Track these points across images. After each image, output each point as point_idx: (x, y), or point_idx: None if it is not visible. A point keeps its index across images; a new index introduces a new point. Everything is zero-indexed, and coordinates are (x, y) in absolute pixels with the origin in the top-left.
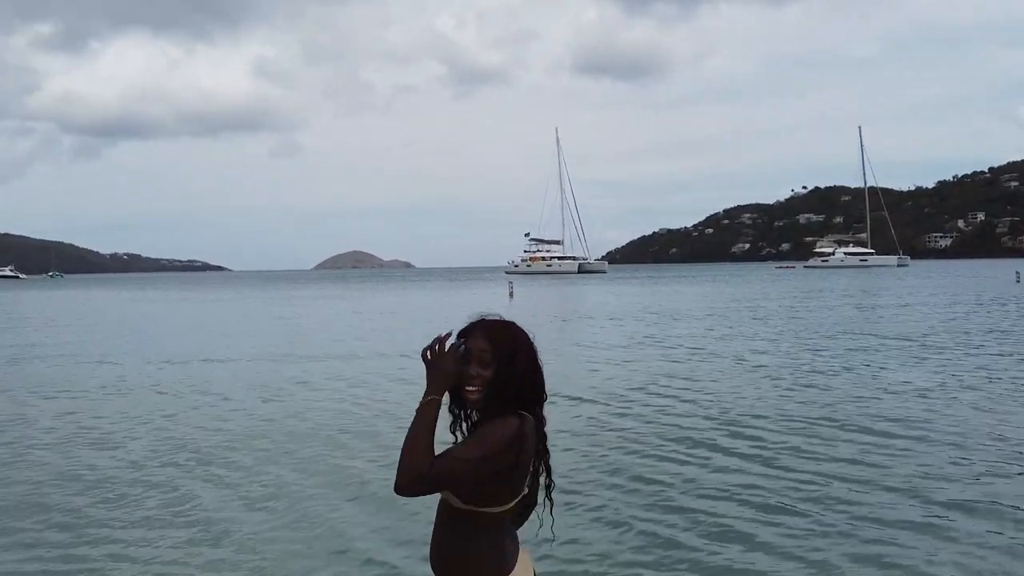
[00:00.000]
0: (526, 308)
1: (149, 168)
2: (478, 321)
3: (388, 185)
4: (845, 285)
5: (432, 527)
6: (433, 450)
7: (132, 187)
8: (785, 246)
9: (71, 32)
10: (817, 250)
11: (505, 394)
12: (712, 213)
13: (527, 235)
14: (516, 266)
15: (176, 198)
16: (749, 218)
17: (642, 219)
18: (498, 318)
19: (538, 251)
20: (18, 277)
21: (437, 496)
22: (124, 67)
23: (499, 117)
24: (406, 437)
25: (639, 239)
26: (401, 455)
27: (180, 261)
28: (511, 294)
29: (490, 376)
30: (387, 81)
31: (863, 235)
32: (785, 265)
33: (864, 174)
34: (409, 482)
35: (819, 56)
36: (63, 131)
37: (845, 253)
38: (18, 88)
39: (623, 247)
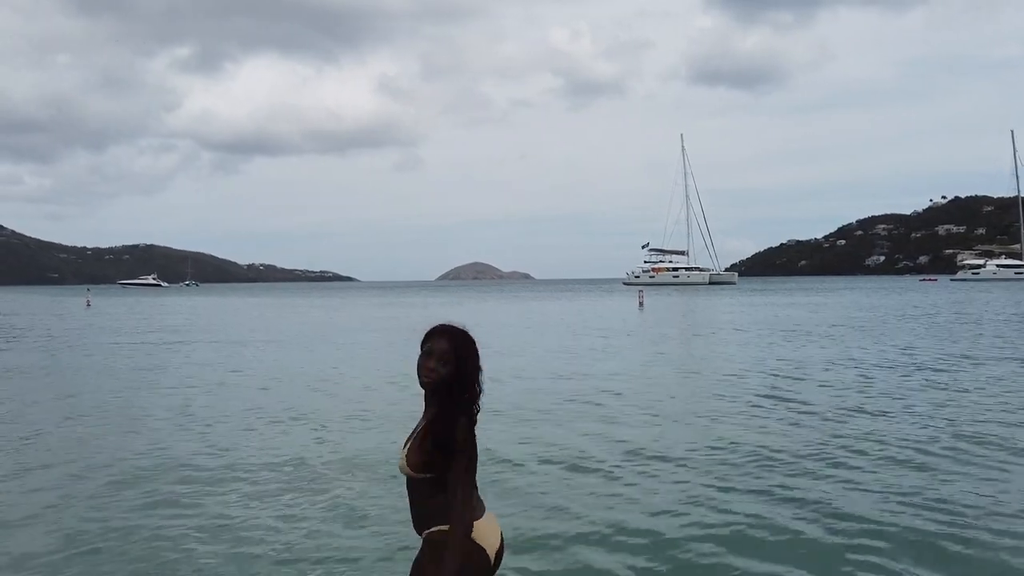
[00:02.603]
0: (664, 316)
1: (282, 183)
2: (441, 325)
3: (505, 197)
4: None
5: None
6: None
7: (266, 201)
8: (923, 258)
9: (206, 54)
10: (966, 262)
11: (455, 389)
12: (844, 224)
13: (645, 246)
14: (637, 277)
15: (307, 212)
16: (884, 229)
17: (766, 230)
18: (460, 326)
19: (660, 261)
20: (160, 285)
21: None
22: (255, 87)
23: (614, 128)
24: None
25: (766, 250)
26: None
27: (312, 272)
28: (641, 304)
29: (446, 373)
30: (503, 95)
31: (1015, 246)
32: (928, 278)
33: (1018, 181)
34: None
35: (952, 59)
36: (202, 148)
37: (998, 265)
38: (159, 107)
39: (749, 258)
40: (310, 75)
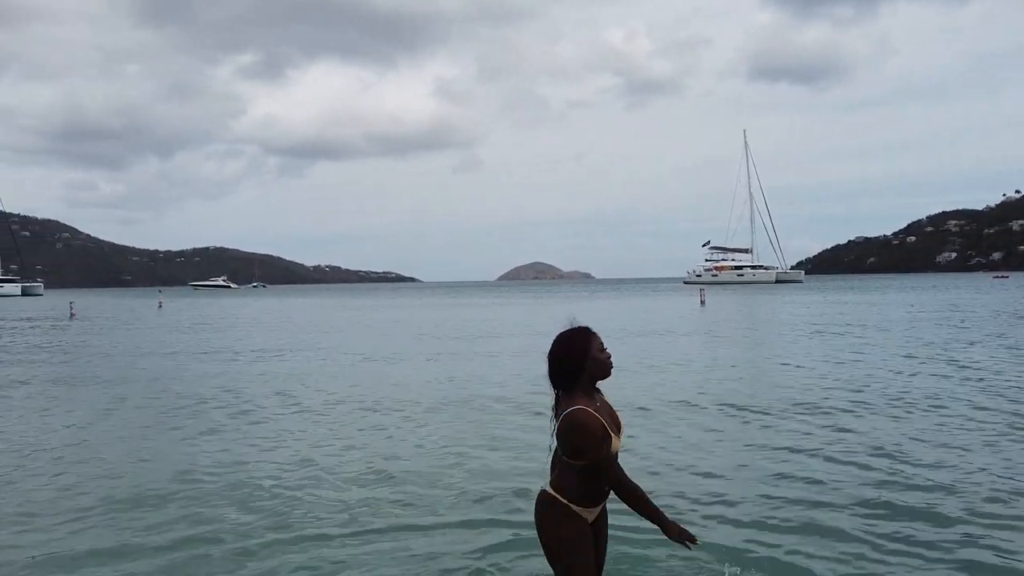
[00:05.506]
0: (727, 316)
1: (344, 186)
2: (585, 327)
3: (562, 197)
4: None
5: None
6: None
7: (330, 204)
8: (996, 255)
9: (269, 61)
10: None
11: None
12: (914, 220)
13: (706, 244)
14: (699, 276)
15: (369, 214)
16: (955, 225)
17: (831, 227)
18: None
19: (723, 260)
20: (230, 287)
21: None
22: (317, 93)
23: (672, 126)
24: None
25: (832, 248)
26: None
27: (376, 273)
28: (703, 301)
29: None
30: (559, 95)
31: None
32: (1000, 275)
33: None
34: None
35: (1018, 50)
36: (267, 153)
37: None
38: (224, 114)
39: (815, 256)
40: (370, 80)
